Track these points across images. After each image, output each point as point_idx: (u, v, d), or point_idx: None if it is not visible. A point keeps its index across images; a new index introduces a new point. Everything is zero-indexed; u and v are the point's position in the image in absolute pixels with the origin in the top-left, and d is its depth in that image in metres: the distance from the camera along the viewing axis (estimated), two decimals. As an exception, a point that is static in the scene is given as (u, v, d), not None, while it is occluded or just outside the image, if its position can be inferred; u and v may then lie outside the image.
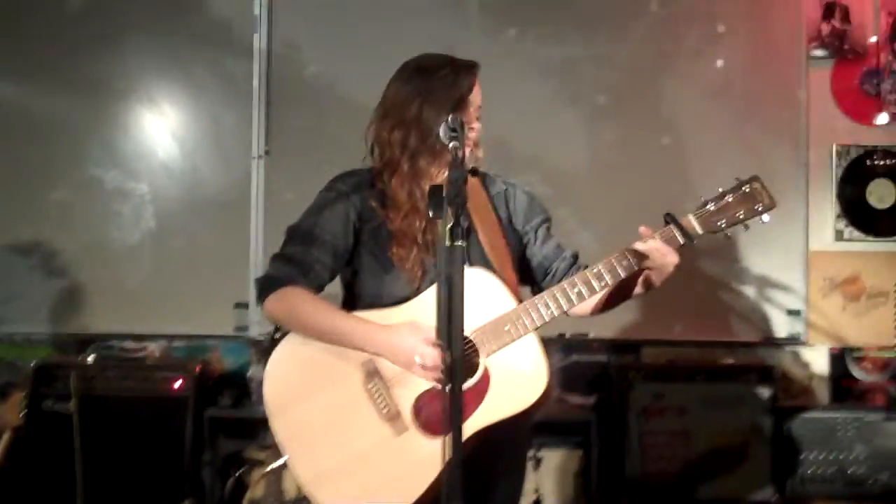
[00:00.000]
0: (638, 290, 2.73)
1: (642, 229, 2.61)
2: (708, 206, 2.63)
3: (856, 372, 4.93)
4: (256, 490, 4.02)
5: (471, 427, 2.51)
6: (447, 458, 2.13)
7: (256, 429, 4.55)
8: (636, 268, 2.61)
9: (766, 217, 2.65)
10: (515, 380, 2.57)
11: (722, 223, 2.63)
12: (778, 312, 4.85)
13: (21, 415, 4.19)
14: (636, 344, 4.90)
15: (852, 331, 4.91)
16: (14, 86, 4.86)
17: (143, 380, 4.40)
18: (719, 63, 4.92)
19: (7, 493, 4.21)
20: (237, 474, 4.16)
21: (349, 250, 2.77)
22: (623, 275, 2.62)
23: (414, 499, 2.54)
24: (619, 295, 2.77)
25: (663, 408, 4.42)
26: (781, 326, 4.85)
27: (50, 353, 4.82)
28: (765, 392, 4.46)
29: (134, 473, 4.27)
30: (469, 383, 2.54)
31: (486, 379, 2.57)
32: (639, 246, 2.59)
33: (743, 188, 2.63)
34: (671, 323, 4.81)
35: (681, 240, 2.61)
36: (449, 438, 2.26)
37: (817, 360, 4.94)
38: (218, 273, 4.77)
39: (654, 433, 4.40)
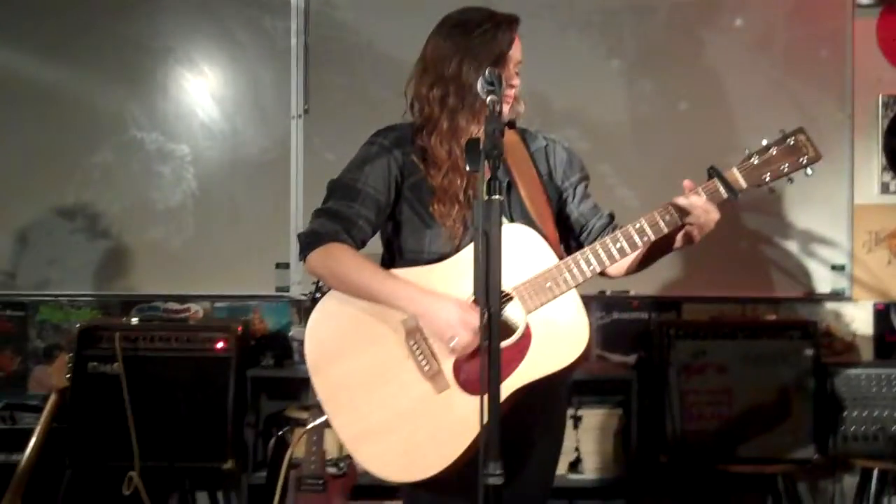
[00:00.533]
0: (678, 244, 2.66)
1: (686, 183, 2.55)
2: (752, 160, 2.56)
3: (901, 326, 4.88)
4: (297, 449, 4.05)
5: (512, 385, 2.50)
6: (482, 414, 2.11)
7: (298, 389, 4.61)
8: (679, 223, 2.56)
9: (809, 170, 2.57)
10: (557, 336, 2.54)
11: (766, 177, 2.56)
12: (822, 267, 4.81)
13: (67, 376, 4.24)
14: (677, 301, 4.88)
15: (898, 285, 4.87)
16: (50, 52, 4.89)
17: (186, 340, 4.43)
18: (762, 13, 4.83)
19: (56, 453, 4.28)
20: (279, 433, 4.19)
21: (391, 205, 2.75)
22: (666, 230, 2.57)
23: (454, 457, 2.53)
24: (658, 250, 2.71)
25: (704, 365, 4.39)
26: (825, 282, 4.81)
27: (94, 315, 4.89)
28: (807, 349, 4.41)
29: (178, 434, 4.31)
30: (510, 340, 2.53)
31: (527, 336, 2.55)
32: (681, 201, 2.53)
33: (788, 140, 2.56)
34: (713, 279, 4.78)
35: (724, 194, 2.54)
36: (486, 397, 2.28)
37: (861, 316, 4.88)
38: (259, 233, 4.80)
39: (694, 391, 4.37)
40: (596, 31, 4.85)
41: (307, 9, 4.86)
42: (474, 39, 2.67)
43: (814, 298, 4.83)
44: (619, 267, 2.76)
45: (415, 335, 2.62)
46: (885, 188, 4.87)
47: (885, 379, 4.45)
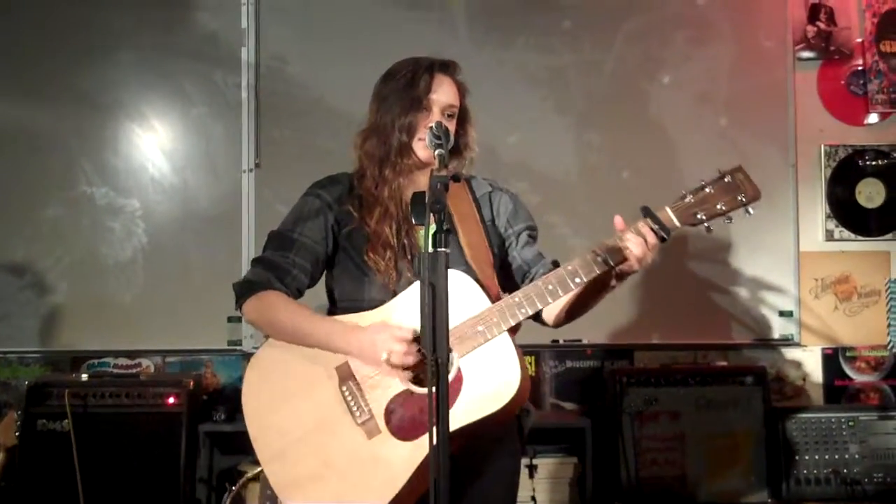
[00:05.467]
0: (613, 283, 2.63)
1: (617, 222, 2.53)
2: (687, 199, 2.53)
3: (849, 371, 4.94)
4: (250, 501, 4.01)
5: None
6: (429, 461, 2.11)
7: (251, 443, 4.54)
8: (611, 264, 2.53)
9: (751, 209, 2.52)
10: (488, 380, 2.53)
11: (701, 215, 2.52)
12: (770, 314, 4.88)
13: (15, 434, 4.17)
14: (629, 349, 4.91)
15: (845, 331, 4.94)
16: (2, 104, 4.85)
17: (137, 396, 4.36)
18: (705, 66, 4.94)
19: (2, 514, 4.21)
20: (234, 488, 4.14)
21: (329, 255, 2.80)
22: (597, 271, 2.54)
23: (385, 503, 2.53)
24: (592, 293, 2.68)
25: (657, 412, 4.42)
26: (774, 328, 4.88)
27: (43, 372, 4.81)
28: (758, 394, 4.46)
29: (129, 490, 4.24)
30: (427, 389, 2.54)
31: (458, 380, 2.54)
32: (612, 241, 2.52)
33: (724, 178, 2.52)
34: (664, 327, 4.83)
35: (658, 233, 2.51)
36: (421, 442, 2.31)
37: (810, 360, 4.96)
38: (210, 287, 4.75)
39: (648, 438, 4.40)
40: (544, 86, 4.92)
41: (258, 63, 4.88)
42: (391, 87, 2.75)
43: (764, 344, 4.88)
44: (553, 313, 2.77)
45: (347, 382, 2.63)
46: (829, 235, 4.97)
47: (836, 423, 4.50)
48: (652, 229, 2.52)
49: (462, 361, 2.55)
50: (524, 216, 2.92)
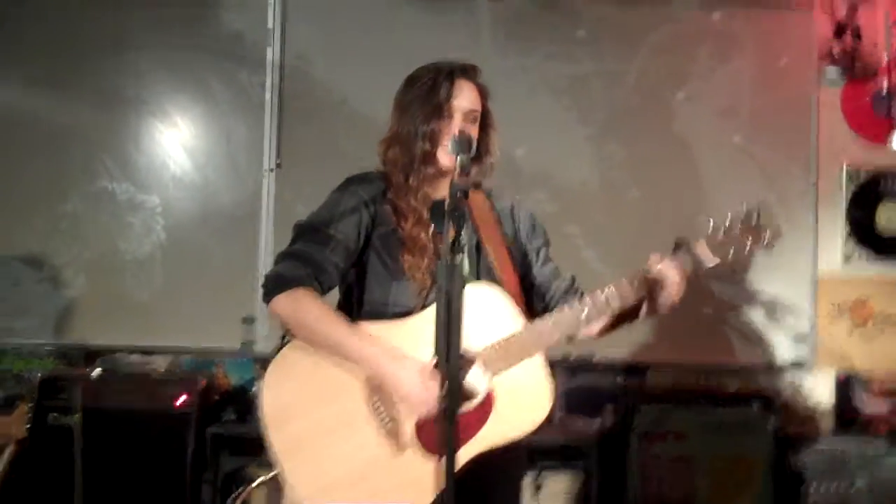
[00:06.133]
0: (643, 314, 2.67)
1: (653, 257, 2.57)
2: (718, 234, 2.58)
3: (863, 398, 4.90)
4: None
5: (471, 451, 2.50)
6: (442, 481, 2.11)
7: (260, 446, 4.51)
8: (645, 293, 2.57)
9: (773, 245, 2.61)
10: (520, 402, 2.54)
11: (731, 253, 2.58)
12: (784, 337, 4.86)
13: (25, 427, 4.18)
14: (642, 367, 4.89)
15: (860, 356, 4.91)
16: (26, 97, 4.86)
17: (148, 394, 4.40)
18: (729, 80, 4.91)
19: (10, 504, 4.22)
20: (240, 492, 4.14)
21: (358, 254, 2.74)
22: (633, 300, 2.58)
23: None
24: (622, 319, 2.72)
25: (665, 433, 4.41)
26: (788, 351, 4.85)
27: (56, 366, 4.83)
28: (768, 419, 4.44)
29: (134, 490, 4.27)
30: (472, 404, 2.53)
31: (489, 401, 2.55)
32: (652, 271, 2.55)
33: (751, 218, 2.60)
34: (677, 345, 4.80)
35: (691, 267, 2.57)
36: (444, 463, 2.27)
37: (823, 386, 4.93)
38: (226, 287, 4.77)
39: (656, 458, 4.39)
40: (566, 96, 4.90)
41: (282, 64, 4.88)
42: (412, 94, 2.73)
43: (777, 367, 4.86)
44: (588, 330, 2.75)
45: (378, 392, 2.60)
46: (847, 259, 4.94)
47: (845, 453, 4.47)
48: (687, 262, 2.57)
49: (494, 381, 2.55)
50: (540, 231, 2.92)
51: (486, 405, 2.55)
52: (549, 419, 2.57)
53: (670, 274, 2.53)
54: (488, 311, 2.55)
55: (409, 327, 2.64)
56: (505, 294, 2.62)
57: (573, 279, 2.86)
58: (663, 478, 4.37)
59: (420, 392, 2.52)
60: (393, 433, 2.58)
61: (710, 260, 2.57)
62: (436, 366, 2.54)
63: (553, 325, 2.57)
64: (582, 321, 2.58)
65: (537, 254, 2.88)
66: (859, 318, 4.91)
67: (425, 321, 2.60)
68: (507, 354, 2.55)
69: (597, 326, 2.75)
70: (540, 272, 2.86)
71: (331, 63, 4.90)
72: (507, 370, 2.55)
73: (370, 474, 2.57)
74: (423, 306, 2.66)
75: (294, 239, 2.73)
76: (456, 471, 2.27)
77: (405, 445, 2.57)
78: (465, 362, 2.50)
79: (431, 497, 2.44)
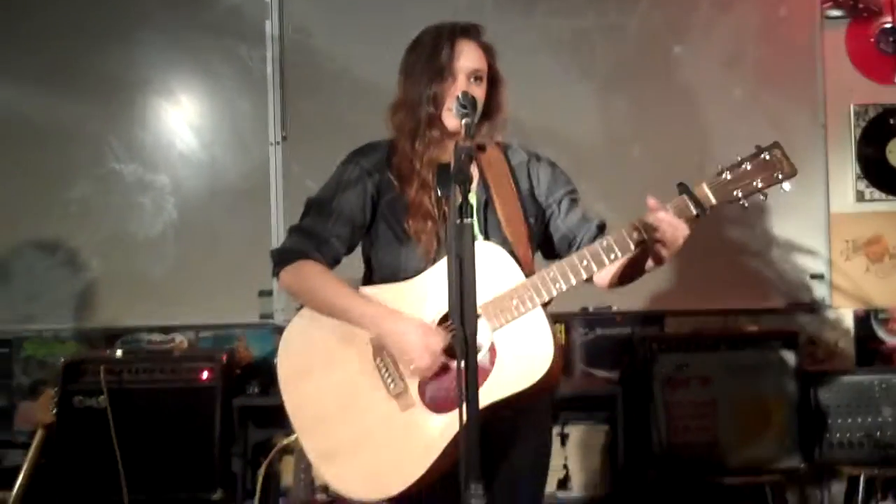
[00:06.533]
0: (648, 265, 2.62)
1: (650, 201, 2.51)
2: (724, 175, 2.51)
3: (881, 333, 4.92)
4: (286, 477, 4.05)
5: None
6: (460, 435, 2.12)
7: (285, 416, 4.58)
8: (645, 239, 2.52)
9: (786, 185, 2.52)
10: (522, 355, 2.53)
11: (738, 192, 2.51)
12: (801, 277, 4.85)
13: (52, 411, 4.23)
14: (660, 315, 4.91)
15: (877, 292, 4.91)
16: (29, 86, 4.87)
17: (171, 371, 4.41)
18: (732, 28, 4.89)
19: (44, 489, 4.25)
20: (268, 461, 4.18)
21: (367, 223, 2.81)
22: (633, 247, 2.53)
23: (417, 476, 2.54)
24: (631, 269, 2.69)
25: (687, 378, 4.42)
26: (805, 291, 4.85)
27: (78, 349, 4.86)
28: (789, 358, 4.45)
29: (165, 465, 4.30)
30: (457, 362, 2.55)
31: (492, 355, 2.55)
32: (648, 218, 2.50)
33: (762, 156, 2.50)
34: (694, 292, 4.80)
35: (693, 210, 2.50)
36: (456, 415, 2.29)
37: (842, 323, 4.93)
38: (241, 261, 4.78)
39: (679, 404, 4.40)
40: (567, 51, 4.88)
41: (282, 37, 4.87)
42: (415, 57, 2.75)
43: (795, 308, 4.86)
44: (600, 279, 2.75)
45: (381, 353, 2.65)
46: (860, 196, 4.93)
47: (868, 385, 4.49)
48: (689, 206, 2.51)
49: (496, 335, 2.56)
50: (563, 180, 2.90)
51: (490, 359, 2.55)
52: (555, 373, 2.55)
53: (668, 218, 2.48)
54: (489, 268, 2.54)
55: (411, 288, 2.68)
56: (506, 250, 2.62)
57: (600, 226, 2.81)
58: (688, 423, 4.38)
59: (419, 349, 2.57)
60: (396, 393, 2.62)
61: (708, 202, 2.51)
62: (440, 323, 2.61)
63: (552, 277, 2.56)
64: (581, 274, 2.56)
65: (559, 205, 2.85)
66: (874, 255, 4.91)
67: (428, 281, 2.66)
68: (506, 309, 2.55)
69: (605, 277, 2.75)
70: (564, 222, 2.84)
71: (330, 33, 4.89)
72: (509, 324, 2.55)
73: (375, 432, 2.62)
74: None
75: (302, 215, 2.82)
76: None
77: (409, 404, 2.61)
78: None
79: (437, 454, 2.52)
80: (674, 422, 4.37)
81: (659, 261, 2.57)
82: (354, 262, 2.91)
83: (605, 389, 4.62)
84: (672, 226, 2.49)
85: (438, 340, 2.57)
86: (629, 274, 2.72)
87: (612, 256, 2.55)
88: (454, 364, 2.57)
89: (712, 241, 4.75)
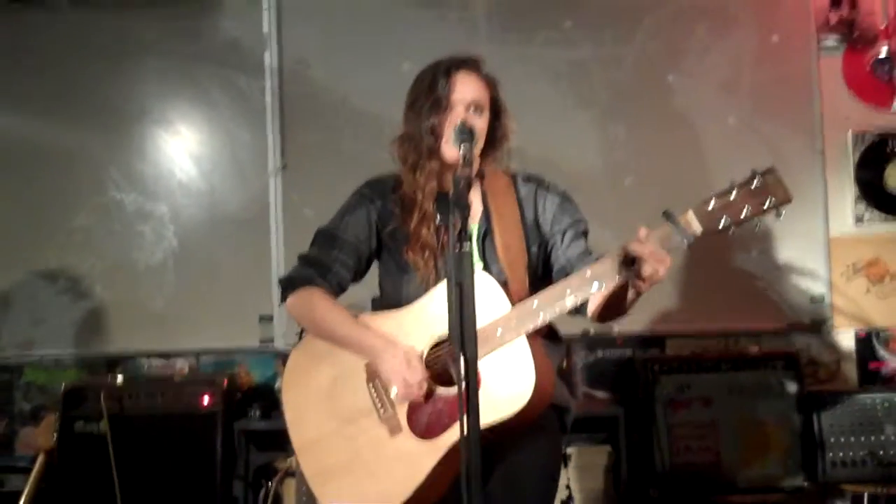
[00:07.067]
0: (630, 294, 2.56)
1: (640, 231, 2.43)
2: (711, 203, 2.40)
3: (883, 353, 4.92)
4: (287, 499, 4.03)
5: (457, 433, 2.49)
6: (447, 460, 2.26)
7: (287, 439, 4.57)
8: (631, 269, 2.44)
9: (783, 211, 2.38)
10: (504, 385, 2.53)
11: (725, 221, 2.39)
12: (802, 299, 4.86)
13: (53, 437, 4.22)
14: (660, 337, 4.91)
15: (877, 313, 4.92)
16: (30, 118, 4.91)
17: (172, 397, 4.42)
18: (728, 56, 4.93)
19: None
20: (271, 484, 4.16)
21: (373, 251, 2.89)
22: (616, 278, 2.48)
23: (402, 500, 2.58)
24: (614, 302, 2.63)
25: (689, 399, 4.42)
26: (806, 313, 4.86)
27: (79, 375, 4.85)
28: (791, 378, 4.45)
29: (167, 490, 4.29)
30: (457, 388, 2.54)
31: (476, 383, 2.55)
32: (633, 246, 2.42)
33: (753, 182, 2.37)
34: (695, 314, 4.82)
35: (679, 240, 2.41)
36: (439, 441, 2.49)
37: (844, 344, 4.93)
38: (241, 287, 4.82)
39: (681, 425, 4.40)
40: (565, 81, 4.92)
41: (280, 68, 4.92)
42: (415, 92, 2.82)
43: (796, 329, 4.87)
44: (590, 310, 2.73)
45: (374, 380, 2.72)
46: (859, 219, 4.95)
47: (871, 405, 4.48)
48: (672, 234, 2.42)
49: (480, 364, 2.50)
50: (571, 213, 2.88)
51: None
52: (541, 400, 2.54)
53: (649, 249, 2.39)
54: (477, 297, 2.48)
55: (408, 314, 2.73)
56: (494, 280, 2.62)
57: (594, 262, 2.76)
58: (690, 444, 4.37)
59: (403, 375, 2.61)
60: (386, 418, 2.67)
61: (694, 230, 2.40)
62: (433, 348, 2.66)
63: (536, 306, 2.55)
64: (566, 305, 2.54)
65: (563, 236, 2.84)
66: (875, 276, 4.92)
67: (426, 307, 2.70)
68: (490, 338, 2.55)
69: (592, 310, 2.72)
70: (564, 253, 2.83)
71: (329, 64, 4.94)
72: (493, 352, 2.56)
73: (366, 455, 2.67)
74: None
75: (311, 244, 2.91)
76: (445, 453, 2.51)
77: (397, 429, 2.65)
78: (451, 348, 2.53)
79: (422, 477, 2.56)
80: (676, 442, 4.37)
81: (638, 289, 2.52)
82: (369, 281, 2.99)
83: (607, 411, 4.61)
84: (655, 257, 2.41)
85: (416, 373, 2.61)
86: (612, 306, 2.66)
87: (596, 285, 2.51)
88: (441, 391, 2.64)
89: (713, 264, 4.77)
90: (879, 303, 4.91)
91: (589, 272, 2.52)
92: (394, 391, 2.66)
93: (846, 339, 4.93)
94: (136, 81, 4.94)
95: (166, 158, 4.95)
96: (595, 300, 2.68)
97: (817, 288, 4.86)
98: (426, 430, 2.61)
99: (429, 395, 2.63)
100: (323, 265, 2.83)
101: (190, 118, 4.97)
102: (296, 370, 2.86)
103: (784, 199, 2.38)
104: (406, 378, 2.61)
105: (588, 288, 2.52)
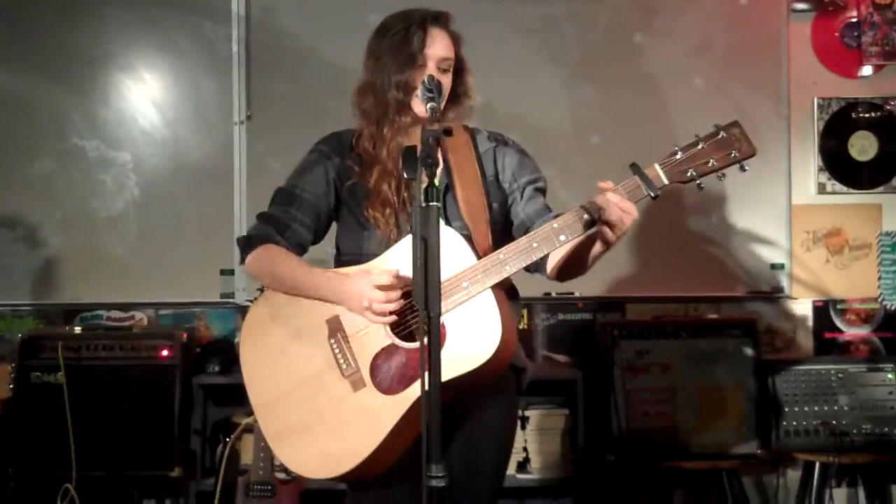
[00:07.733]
0: (596, 248, 2.59)
1: (601, 183, 2.49)
2: (677, 155, 2.49)
3: (839, 323, 4.97)
4: (245, 455, 4.03)
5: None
6: (410, 414, 2.22)
7: (245, 395, 4.56)
8: (596, 220, 2.49)
9: (745, 165, 2.50)
10: (470, 337, 2.53)
11: (692, 172, 2.49)
12: (761, 266, 4.90)
13: (9, 387, 4.19)
14: (621, 301, 4.93)
15: (836, 283, 4.97)
16: (-9, 61, 4.82)
17: (131, 349, 4.37)
18: (700, 18, 4.92)
19: (-1, 464, 4.23)
20: (229, 440, 4.16)
21: (332, 209, 2.85)
22: (582, 229, 2.52)
23: (366, 454, 2.55)
24: (577, 256, 2.67)
25: (648, 364, 4.44)
26: (765, 280, 4.90)
27: (36, 325, 4.82)
28: (748, 346, 4.48)
29: (123, 442, 4.27)
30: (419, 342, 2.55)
31: (442, 336, 2.52)
32: (598, 199, 2.48)
33: (719, 134, 2.49)
34: (656, 279, 4.85)
35: (645, 191, 2.48)
36: (403, 396, 2.44)
37: (801, 313, 4.98)
38: (203, 240, 4.78)
39: (638, 390, 4.42)
40: (537, 38, 4.89)
41: (248, 15, 4.84)
42: (385, 43, 2.73)
43: (754, 296, 4.90)
44: (551, 266, 2.75)
45: (336, 335, 2.67)
46: (821, 188, 4.97)
47: (825, 375, 4.53)
48: (640, 186, 2.48)
49: (445, 317, 2.54)
50: (529, 169, 2.88)
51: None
52: (505, 352, 2.53)
53: (616, 200, 2.45)
54: (443, 250, 2.51)
55: (372, 267, 2.69)
56: (459, 234, 2.61)
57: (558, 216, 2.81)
58: (647, 409, 4.40)
59: (368, 290, 2.57)
60: (349, 374, 2.63)
61: (660, 182, 2.48)
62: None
63: (502, 259, 2.56)
64: (532, 257, 2.55)
65: (522, 192, 2.85)
66: (834, 246, 4.96)
67: (384, 264, 2.66)
68: (456, 290, 2.55)
69: (553, 265, 2.74)
70: (524, 209, 2.84)
71: (296, 13, 4.87)
72: (459, 306, 2.55)
73: (327, 412, 2.64)
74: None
75: (269, 203, 2.87)
76: (409, 407, 2.49)
77: (360, 384, 2.62)
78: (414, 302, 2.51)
79: (385, 432, 2.54)
80: (633, 407, 4.40)
81: (605, 243, 2.55)
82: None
83: (566, 374, 4.62)
84: (620, 207, 2.46)
85: (383, 275, 2.58)
86: (575, 261, 2.70)
87: (563, 238, 2.54)
88: (405, 345, 2.61)
89: (673, 229, 4.80)
90: (838, 273, 4.96)
91: (556, 224, 2.54)
92: (367, 310, 2.59)
93: (803, 308, 4.98)
94: (99, 27, 4.84)
95: (130, 106, 4.87)
96: (556, 256, 2.69)
97: (777, 256, 4.90)
98: (389, 385, 2.59)
99: (392, 349, 2.60)
100: (281, 223, 2.79)
101: (154, 65, 4.88)
102: (254, 326, 2.80)
103: (748, 152, 2.49)
104: (373, 294, 2.56)
105: (555, 240, 2.54)
